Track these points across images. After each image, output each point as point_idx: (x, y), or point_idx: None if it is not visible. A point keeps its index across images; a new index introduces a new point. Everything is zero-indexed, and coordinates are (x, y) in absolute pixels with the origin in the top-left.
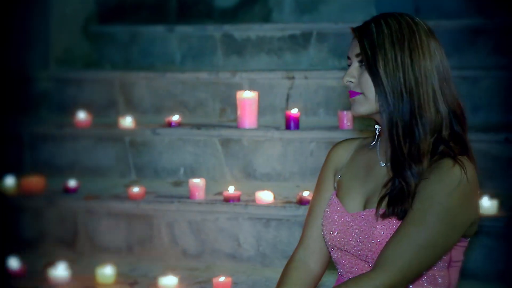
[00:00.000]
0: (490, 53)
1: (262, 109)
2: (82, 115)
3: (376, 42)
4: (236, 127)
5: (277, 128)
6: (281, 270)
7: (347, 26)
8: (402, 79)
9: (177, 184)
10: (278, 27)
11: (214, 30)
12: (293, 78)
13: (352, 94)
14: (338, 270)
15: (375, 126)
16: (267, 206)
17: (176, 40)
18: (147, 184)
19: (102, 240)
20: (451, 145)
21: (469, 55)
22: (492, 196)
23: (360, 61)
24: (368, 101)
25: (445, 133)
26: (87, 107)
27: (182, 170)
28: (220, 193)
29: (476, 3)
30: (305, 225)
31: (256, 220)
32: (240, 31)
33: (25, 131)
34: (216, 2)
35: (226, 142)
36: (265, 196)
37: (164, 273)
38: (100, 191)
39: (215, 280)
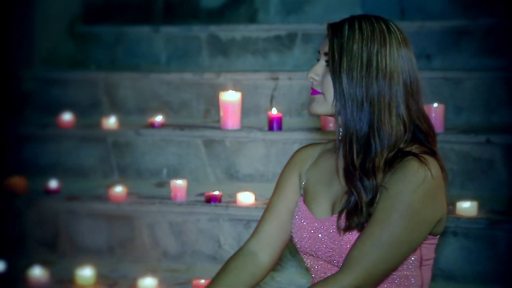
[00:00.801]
0: (474, 55)
1: (247, 110)
2: (65, 116)
3: (345, 46)
4: (219, 128)
5: (260, 129)
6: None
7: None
8: (364, 89)
9: (160, 185)
10: (263, 27)
11: (200, 31)
12: (277, 79)
13: (313, 92)
14: (312, 276)
15: (337, 128)
16: (248, 207)
17: (161, 40)
18: (130, 185)
19: (83, 241)
20: (416, 147)
21: (453, 56)
22: (473, 197)
23: (327, 61)
24: (327, 103)
25: (407, 148)
26: (71, 108)
27: (165, 171)
28: (202, 194)
29: (462, 5)
30: (262, 220)
31: (237, 221)
32: (226, 31)
33: (8, 131)
34: (202, 3)
35: (209, 143)
36: (246, 198)
37: (144, 274)
38: (82, 192)
39: (195, 281)
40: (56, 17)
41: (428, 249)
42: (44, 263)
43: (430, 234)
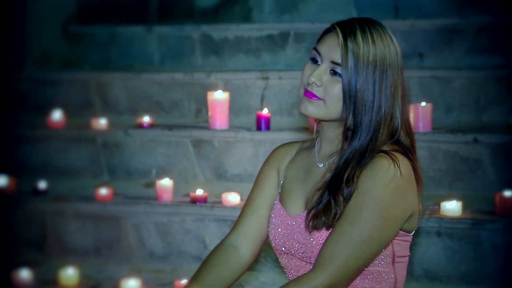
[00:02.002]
0: (467, 53)
1: (237, 109)
2: (55, 116)
3: (361, 59)
4: (208, 128)
5: (248, 129)
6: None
7: (324, 26)
8: (375, 109)
9: (149, 185)
10: (256, 27)
11: (193, 31)
12: (267, 78)
13: (312, 95)
14: (287, 275)
15: (315, 127)
16: (233, 207)
17: (155, 40)
18: (119, 185)
19: (70, 242)
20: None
21: (445, 55)
22: (461, 197)
23: (334, 71)
24: (327, 110)
25: (386, 148)
26: (63, 108)
27: (154, 171)
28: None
29: (456, 2)
30: (241, 214)
31: (222, 222)
32: (218, 31)
33: None
34: (197, 2)
35: (197, 143)
36: (232, 198)
37: (130, 275)
38: (72, 193)
39: (176, 282)
40: (50, 17)
41: (400, 245)
42: (31, 264)
43: (402, 230)
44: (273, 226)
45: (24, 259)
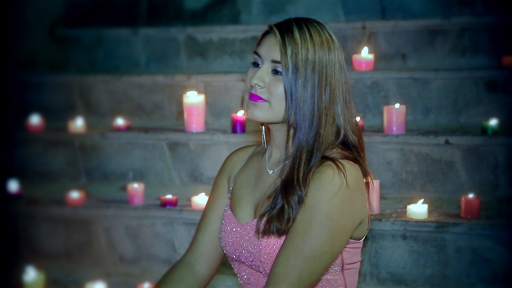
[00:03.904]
0: (448, 54)
1: (218, 112)
2: (34, 119)
3: (299, 57)
4: (183, 131)
5: (224, 132)
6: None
7: None
8: (316, 102)
9: (125, 188)
10: (240, 28)
11: (178, 33)
12: None
13: (256, 98)
14: (239, 281)
15: (263, 133)
16: (202, 210)
17: (140, 42)
18: (96, 189)
19: (42, 245)
20: (337, 151)
21: (428, 56)
22: (433, 200)
23: (275, 70)
24: (273, 111)
25: (332, 151)
26: (46, 111)
27: (131, 174)
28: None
29: (442, 3)
30: (197, 229)
31: (191, 225)
32: (203, 33)
33: None
34: (186, 5)
35: (173, 146)
36: (201, 200)
37: (96, 279)
38: (48, 196)
39: (139, 286)
40: (36, 20)
41: (350, 253)
42: (2, 267)
43: (351, 238)
44: (223, 233)
45: None
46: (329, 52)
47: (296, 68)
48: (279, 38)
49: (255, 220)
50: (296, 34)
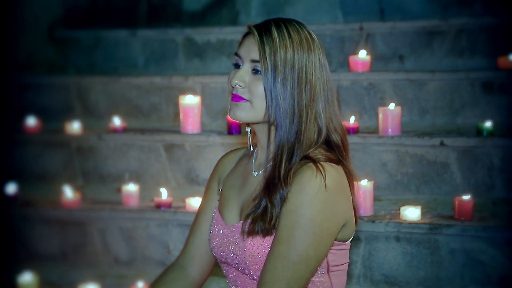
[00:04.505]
0: (446, 55)
1: (215, 113)
2: (31, 121)
3: (278, 54)
4: (179, 132)
5: (220, 133)
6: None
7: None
8: (296, 100)
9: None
10: (238, 30)
11: (176, 34)
12: None
13: (238, 98)
14: (228, 283)
15: (248, 135)
16: (196, 212)
17: (139, 44)
18: (93, 190)
19: (37, 247)
20: (320, 152)
21: (426, 57)
22: (427, 201)
23: (255, 69)
24: (255, 110)
25: (315, 151)
26: (44, 112)
27: (127, 176)
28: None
29: (441, 4)
30: (189, 232)
31: (186, 227)
32: (201, 34)
33: None
34: (185, 6)
35: (169, 148)
36: (195, 203)
37: (89, 280)
38: (44, 198)
39: (131, 287)
40: (35, 22)
41: (336, 255)
42: None
43: (336, 240)
44: (211, 235)
45: None
46: (309, 50)
47: (274, 67)
48: (257, 38)
49: (241, 222)
50: (274, 34)
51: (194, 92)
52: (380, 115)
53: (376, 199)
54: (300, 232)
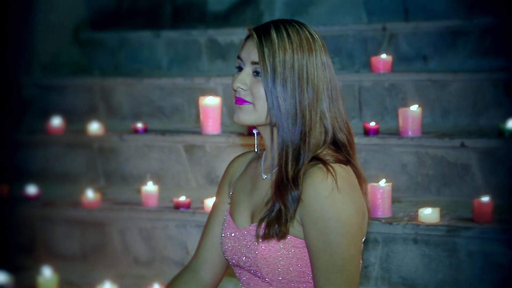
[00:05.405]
0: (470, 55)
1: None
2: (54, 122)
3: (277, 55)
4: (200, 133)
5: (240, 134)
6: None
7: (331, 29)
8: (298, 100)
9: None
10: None
11: (199, 35)
12: None
13: (241, 101)
14: (240, 284)
15: (255, 138)
16: None
17: (162, 45)
18: (114, 191)
19: (58, 247)
20: (329, 153)
21: (450, 57)
22: (448, 203)
23: (256, 72)
24: (257, 112)
25: (324, 152)
26: (68, 113)
27: (148, 177)
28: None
29: (465, 4)
30: (201, 236)
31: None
32: (224, 35)
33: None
34: (209, 7)
35: (190, 148)
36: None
37: (112, 280)
38: (67, 198)
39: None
40: (60, 24)
41: None
42: (19, 269)
43: None
44: (223, 238)
45: (14, 264)
46: (310, 50)
47: (274, 68)
48: (256, 40)
49: (253, 225)
50: (273, 35)
51: (215, 93)
52: (400, 116)
53: (396, 200)
54: (334, 236)
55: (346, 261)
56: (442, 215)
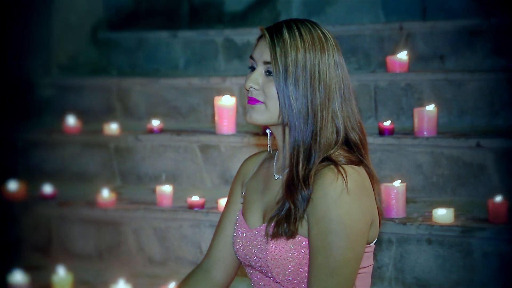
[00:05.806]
0: (488, 55)
1: None
2: (70, 122)
3: (289, 55)
4: (215, 133)
5: (254, 134)
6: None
7: (348, 29)
8: (309, 100)
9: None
10: None
11: (216, 35)
12: None
13: (253, 101)
14: (252, 284)
15: (268, 137)
16: None
17: (179, 45)
18: (130, 190)
19: (74, 246)
20: (341, 153)
21: (467, 57)
22: (464, 204)
23: (268, 71)
24: (269, 112)
25: (336, 152)
26: (85, 113)
27: (164, 176)
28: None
29: (484, 3)
30: (213, 235)
31: None
32: (240, 35)
33: (18, 137)
34: (226, 7)
35: (204, 148)
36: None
37: (126, 280)
38: (83, 198)
39: (162, 287)
40: (78, 24)
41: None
42: (35, 268)
43: None
44: (235, 238)
45: (30, 263)
46: (322, 50)
47: (286, 67)
48: (268, 39)
49: (263, 225)
50: (285, 35)
51: (231, 93)
52: (416, 116)
53: (410, 201)
54: (333, 238)
55: (340, 264)
56: (457, 216)
